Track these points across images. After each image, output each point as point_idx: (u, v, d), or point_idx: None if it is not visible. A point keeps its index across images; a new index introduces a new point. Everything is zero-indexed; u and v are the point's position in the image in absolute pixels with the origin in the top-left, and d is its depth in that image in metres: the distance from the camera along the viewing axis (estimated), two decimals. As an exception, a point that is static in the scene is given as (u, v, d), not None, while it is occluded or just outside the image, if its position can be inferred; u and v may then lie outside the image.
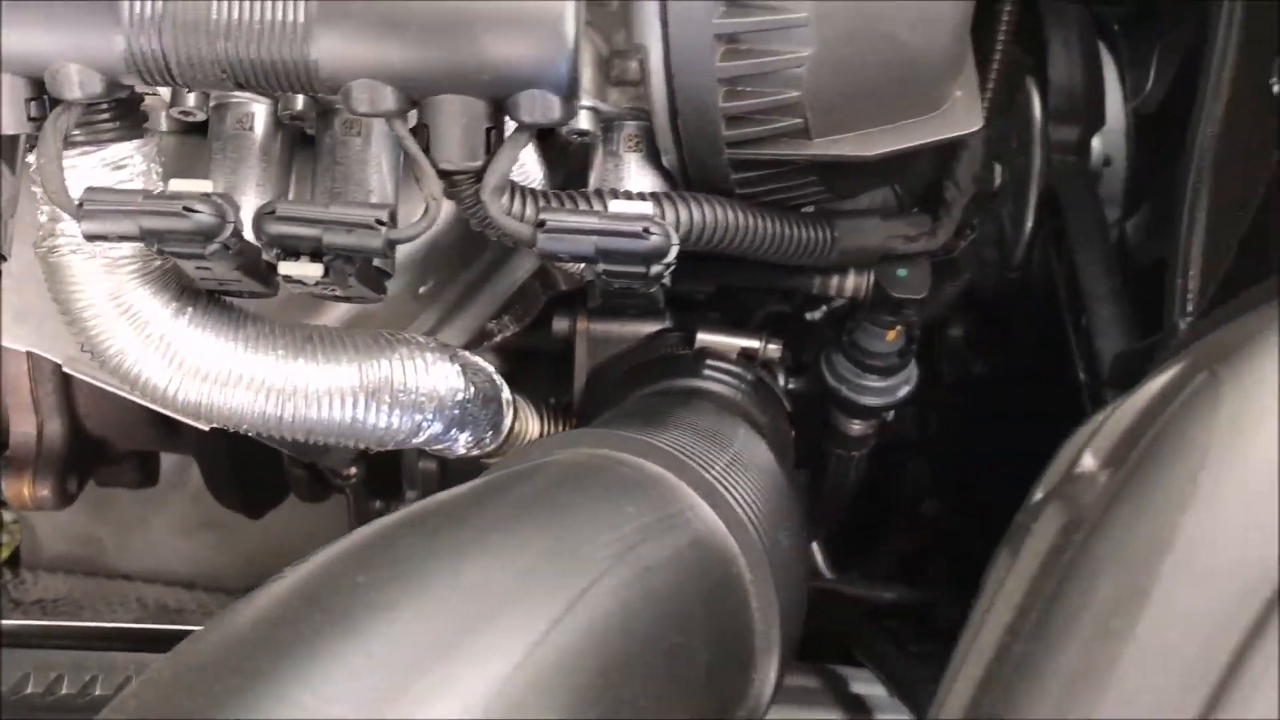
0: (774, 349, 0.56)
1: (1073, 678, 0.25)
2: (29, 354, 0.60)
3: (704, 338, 0.57)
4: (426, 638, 0.28)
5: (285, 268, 0.38)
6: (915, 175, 0.51)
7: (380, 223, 0.37)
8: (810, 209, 0.49)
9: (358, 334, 0.46)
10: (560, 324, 0.59)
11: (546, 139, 0.46)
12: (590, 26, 0.42)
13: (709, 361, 0.56)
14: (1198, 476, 0.25)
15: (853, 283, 0.52)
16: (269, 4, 0.35)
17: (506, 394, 0.52)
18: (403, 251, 0.48)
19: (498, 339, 0.63)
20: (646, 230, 0.37)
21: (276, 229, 0.37)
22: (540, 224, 0.37)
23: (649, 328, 0.58)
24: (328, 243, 0.37)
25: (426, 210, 0.38)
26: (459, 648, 0.28)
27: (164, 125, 0.47)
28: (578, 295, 0.60)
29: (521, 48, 0.36)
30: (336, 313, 0.50)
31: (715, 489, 0.39)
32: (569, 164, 0.49)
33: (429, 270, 0.52)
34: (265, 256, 0.39)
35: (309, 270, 0.38)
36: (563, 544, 0.32)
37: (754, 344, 0.56)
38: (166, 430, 0.68)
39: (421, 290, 0.53)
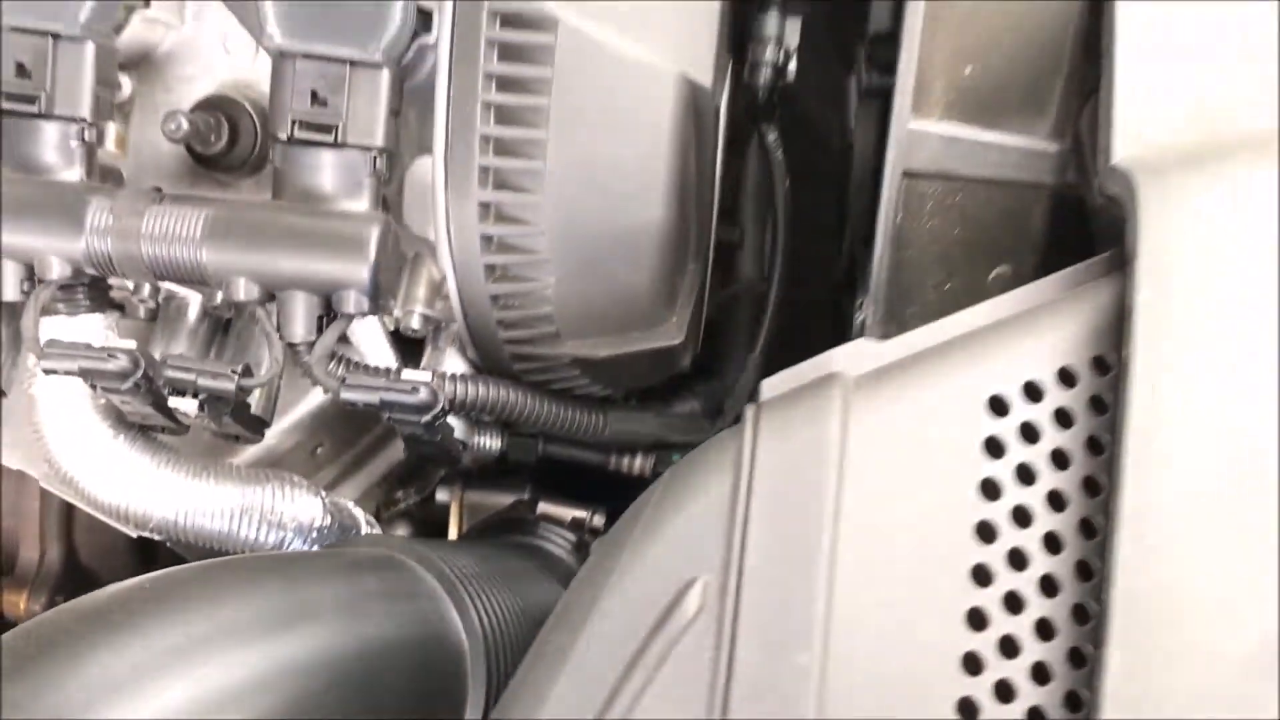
0: (599, 519, 0.71)
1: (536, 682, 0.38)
2: (41, 489, 0.78)
3: (545, 507, 0.71)
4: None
5: (172, 401, 0.54)
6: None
7: (234, 373, 0.53)
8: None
9: (246, 469, 0.62)
10: (442, 493, 0.74)
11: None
12: (427, 255, 0.59)
13: (543, 524, 0.70)
14: (631, 535, 0.39)
15: (639, 463, 0.67)
16: (175, 221, 0.53)
17: (367, 528, 0.67)
18: (295, 415, 0.65)
19: (402, 506, 0.79)
20: (415, 389, 0.53)
21: (166, 373, 0.54)
22: (342, 380, 0.53)
23: (511, 497, 0.73)
24: (199, 385, 0.53)
25: (267, 368, 0.55)
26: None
27: (141, 313, 0.66)
28: (465, 471, 0.75)
29: (341, 261, 0.53)
30: (246, 456, 0.66)
31: (460, 593, 0.52)
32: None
33: (320, 435, 0.68)
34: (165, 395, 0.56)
35: (187, 405, 0.54)
36: (300, 588, 0.46)
37: (583, 514, 0.71)
38: (145, 563, 0.84)
39: (318, 451, 0.69)
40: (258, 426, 0.60)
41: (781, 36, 0.62)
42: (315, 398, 0.66)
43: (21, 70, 0.54)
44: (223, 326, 0.63)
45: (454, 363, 0.60)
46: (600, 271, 0.55)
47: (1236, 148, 0.43)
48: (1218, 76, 0.45)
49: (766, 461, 0.38)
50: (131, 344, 0.55)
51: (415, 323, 0.58)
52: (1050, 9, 0.54)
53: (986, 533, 0.39)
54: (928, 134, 0.54)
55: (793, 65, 0.62)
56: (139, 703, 0.40)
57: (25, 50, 0.54)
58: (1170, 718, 0.35)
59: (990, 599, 0.38)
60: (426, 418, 0.54)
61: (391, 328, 0.61)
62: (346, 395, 0.53)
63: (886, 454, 0.39)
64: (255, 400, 0.59)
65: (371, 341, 0.60)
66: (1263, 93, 0.45)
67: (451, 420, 0.60)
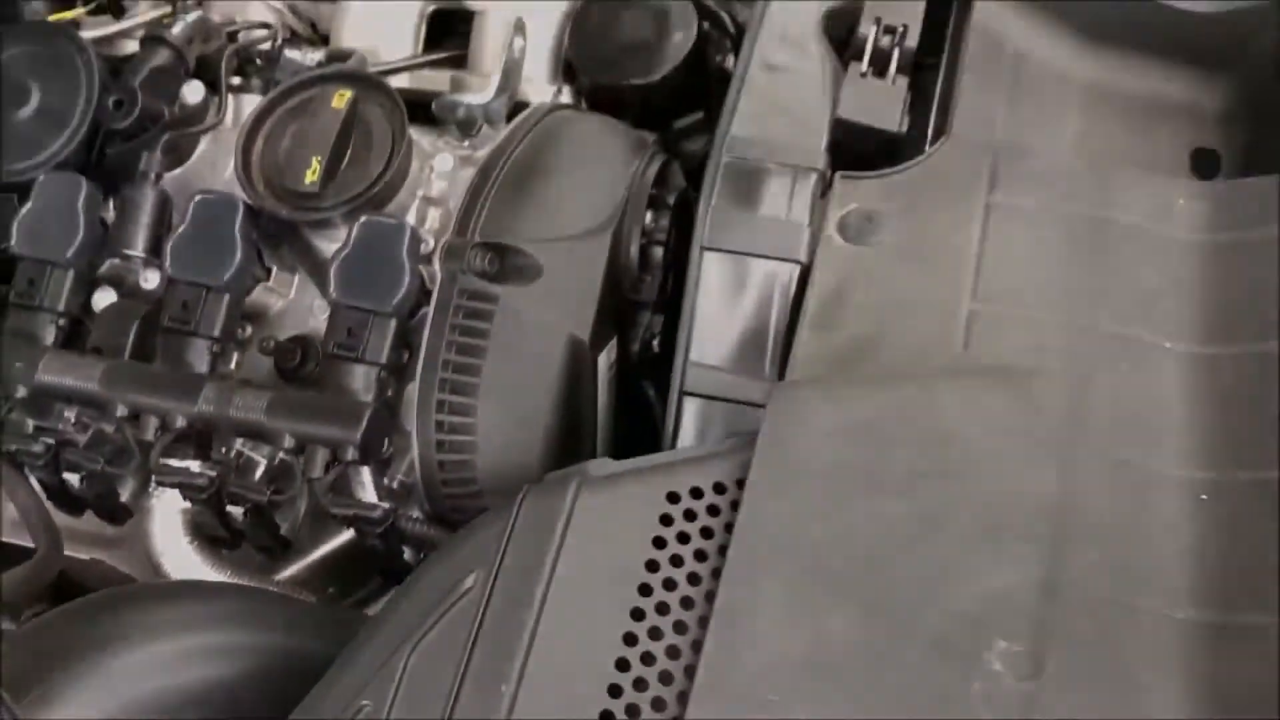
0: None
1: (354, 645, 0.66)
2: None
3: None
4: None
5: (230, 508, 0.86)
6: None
7: (269, 489, 0.84)
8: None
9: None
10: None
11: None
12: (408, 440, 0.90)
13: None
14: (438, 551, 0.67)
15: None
16: (251, 400, 0.85)
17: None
18: (315, 555, 0.95)
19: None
20: (375, 509, 0.83)
21: (230, 489, 0.85)
22: (332, 499, 0.84)
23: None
24: (248, 496, 0.85)
25: (293, 493, 0.86)
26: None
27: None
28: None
29: (345, 430, 0.84)
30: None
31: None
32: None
33: (332, 578, 0.97)
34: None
35: (236, 511, 0.85)
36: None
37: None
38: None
39: (329, 591, 0.98)
40: (284, 545, 0.90)
41: (650, 327, 0.94)
42: (332, 544, 0.96)
43: (185, 307, 0.90)
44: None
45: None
46: (510, 460, 0.85)
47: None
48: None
49: (523, 520, 0.67)
50: (213, 472, 0.87)
51: (395, 485, 0.89)
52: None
53: (645, 590, 0.64)
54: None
55: (656, 342, 0.94)
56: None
57: (188, 294, 0.90)
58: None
59: (633, 654, 0.61)
60: (379, 530, 0.83)
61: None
62: (333, 509, 0.84)
63: (593, 528, 0.66)
64: (285, 523, 0.89)
65: (364, 480, 0.90)
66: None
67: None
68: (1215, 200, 0.79)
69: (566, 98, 1.06)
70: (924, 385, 0.72)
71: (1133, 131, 0.90)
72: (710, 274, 0.80)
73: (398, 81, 1.06)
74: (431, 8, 1.11)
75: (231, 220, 0.90)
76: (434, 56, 1.07)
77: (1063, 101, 0.90)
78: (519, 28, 1.00)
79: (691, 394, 0.79)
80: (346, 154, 0.92)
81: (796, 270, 0.79)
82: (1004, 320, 0.75)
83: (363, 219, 0.88)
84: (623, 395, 0.94)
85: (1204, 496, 0.68)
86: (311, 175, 0.89)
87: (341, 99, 0.92)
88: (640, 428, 0.96)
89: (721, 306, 0.80)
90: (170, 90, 0.98)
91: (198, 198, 0.91)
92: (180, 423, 0.87)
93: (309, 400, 0.86)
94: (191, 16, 1.01)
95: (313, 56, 1.05)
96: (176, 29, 0.99)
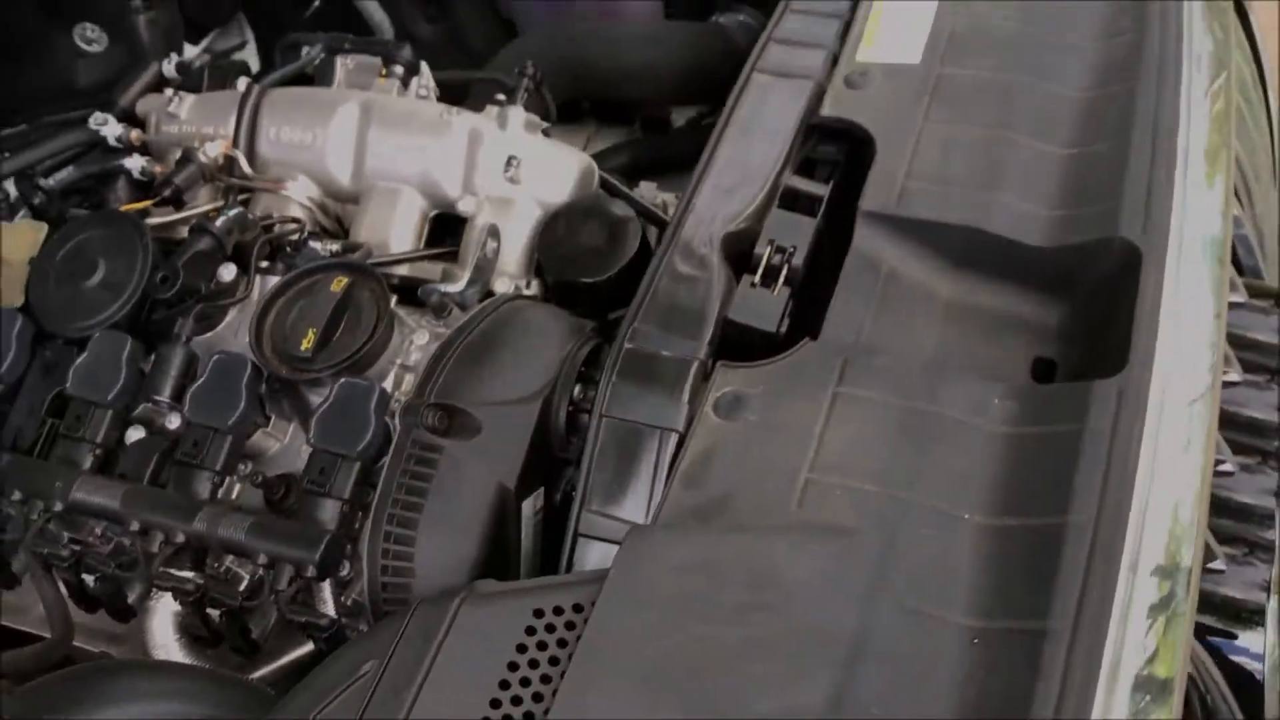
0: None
1: None
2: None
3: None
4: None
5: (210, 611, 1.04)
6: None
7: (241, 594, 1.02)
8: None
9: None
10: None
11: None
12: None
13: None
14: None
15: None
16: (236, 524, 1.05)
17: None
18: (282, 661, 1.12)
19: None
20: (323, 617, 1.00)
21: (212, 593, 1.03)
22: (291, 608, 1.01)
23: None
24: (225, 600, 1.03)
25: (260, 600, 1.04)
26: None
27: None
28: None
29: (306, 551, 1.02)
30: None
31: None
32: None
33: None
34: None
35: (214, 613, 1.03)
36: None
37: None
38: None
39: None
40: (254, 647, 1.07)
41: (572, 481, 1.12)
42: (297, 653, 1.13)
43: (195, 445, 1.11)
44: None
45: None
46: (442, 586, 1.02)
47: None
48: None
49: (414, 623, 0.84)
50: (200, 580, 1.05)
51: (350, 603, 1.06)
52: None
53: (503, 685, 0.81)
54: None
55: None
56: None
57: (199, 434, 1.11)
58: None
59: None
60: (325, 636, 1.01)
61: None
62: (290, 616, 1.01)
63: (467, 633, 0.83)
64: (257, 628, 1.07)
65: (327, 596, 1.08)
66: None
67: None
68: (1025, 400, 0.96)
69: (535, 288, 1.28)
70: (759, 535, 0.89)
71: (984, 341, 1.07)
72: (606, 437, 0.98)
73: (399, 270, 1.29)
74: (434, 212, 1.34)
75: (240, 377, 1.11)
76: (430, 252, 1.30)
77: (926, 313, 1.08)
78: (493, 233, 1.22)
79: (584, 535, 0.96)
80: (340, 328, 1.13)
81: (675, 438, 0.97)
82: (833, 488, 0.91)
83: (342, 380, 1.08)
84: (549, 537, 1.11)
85: (975, 640, 0.82)
86: (306, 343, 1.11)
87: (339, 284, 1.14)
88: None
89: (614, 463, 0.98)
90: (209, 270, 1.21)
91: (215, 357, 1.12)
92: (180, 538, 1.06)
93: (281, 525, 1.05)
94: (233, 212, 1.24)
95: (331, 247, 1.28)
96: (219, 221, 1.22)
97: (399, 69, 1.41)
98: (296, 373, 1.11)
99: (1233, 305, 1.12)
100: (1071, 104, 1.18)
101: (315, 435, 1.07)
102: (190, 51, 1.85)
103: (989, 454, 0.93)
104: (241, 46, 1.94)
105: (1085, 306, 1.06)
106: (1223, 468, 1.00)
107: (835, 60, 1.26)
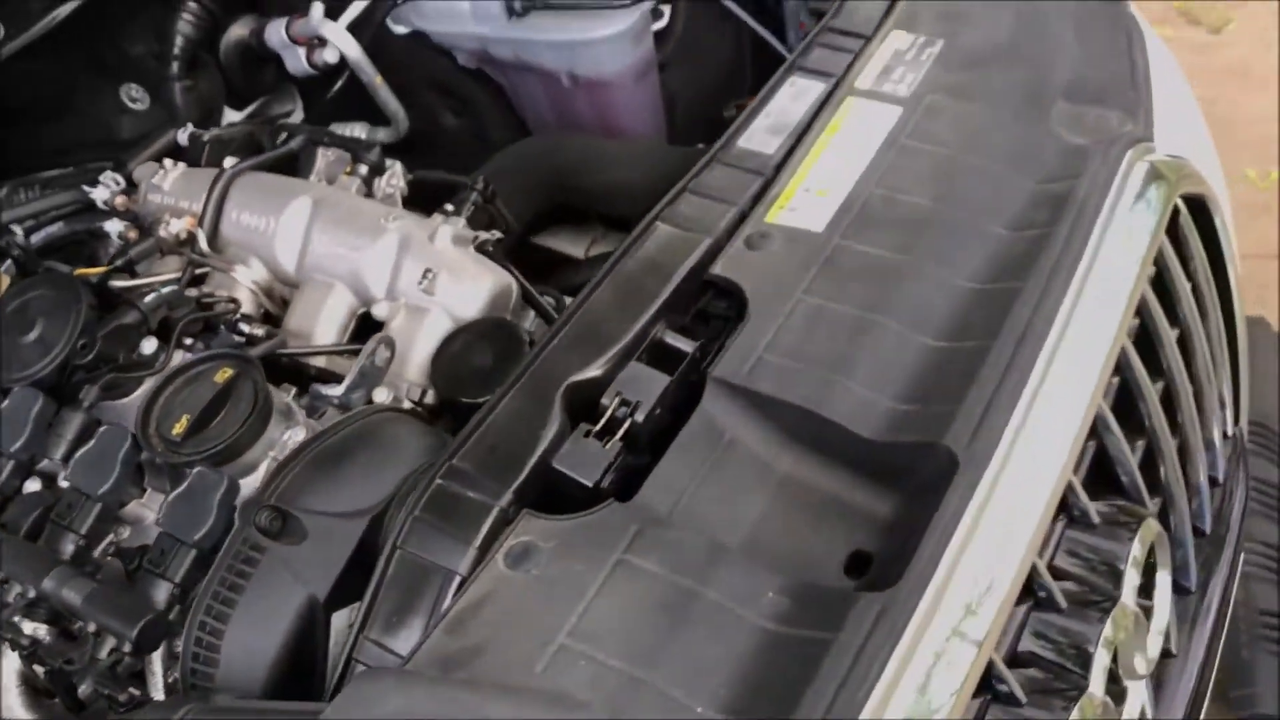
0: None
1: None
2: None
3: None
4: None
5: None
6: None
7: (67, 662, 1.09)
8: None
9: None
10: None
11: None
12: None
13: None
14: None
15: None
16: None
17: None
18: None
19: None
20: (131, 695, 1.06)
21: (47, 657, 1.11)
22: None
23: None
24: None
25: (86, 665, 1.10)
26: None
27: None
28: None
29: (127, 623, 1.09)
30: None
31: None
32: None
33: None
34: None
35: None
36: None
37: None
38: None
39: None
40: (79, 705, 1.14)
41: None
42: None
43: (69, 507, 1.19)
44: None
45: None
46: (241, 681, 1.07)
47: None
48: (458, 647, 0.94)
49: (144, 723, 0.89)
50: (37, 635, 1.13)
51: (172, 680, 1.12)
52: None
53: None
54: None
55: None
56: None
57: (73, 498, 1.19)
58: None
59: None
60: (124, 709, 1.07)
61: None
62: (97, 684, 1.08)
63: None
64: (81, 687, 1.14)
65: (156, 670, 1.13)
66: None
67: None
68: (798, 597, 0.95)
69: (433, 399, 1.33)
70: (489, 695, 0.91)
71: (808, 525, 1.07)
72: (397, 569, 1.02)
73: (318, 361, 1.36)
74: (361, 309, 1.41)
75: (118, 449, 1.19)
76: (340, 347, 1.36)
77: (758, 487, 1.08)
78: (386, 342, 1.28)
79: (357, 660, 1.00)
80: (219, 416, 1.20)
81: (457, 580, 1.00)
82: (580, 657, 0.93)
83: (197, 469, 1.15)
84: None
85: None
86: (178, 428, 1.18)
87: (223, 375, 1.21)
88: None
89: (398, 595, 1.01)
90: (132, 341, 1.30)
91: (103, 428, 1.21)
92: (31, 593, 1.14)
93: (116, 597, 1.12)
94: (166, 290, 1.33)
95: (257, 331, 1.36)
96: (149, 297, 1.31)
97: (363, 169, 1.49)
98: (168, 454, 1.18)
99: (1077, 524, 1.09)
100: (957, 295, 1.16)
101: (162, 518, 1.14)
102: (233, 116, 1.99)
103: (741, 647, 0.93)
104: (289, 114, 2.06)
105: (907, 507, 1.05)
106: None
107: (744, 217, 1.28)
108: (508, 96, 1.89)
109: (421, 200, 1.59)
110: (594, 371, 1.14)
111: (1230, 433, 1.48)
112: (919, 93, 1.39)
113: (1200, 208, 1.38)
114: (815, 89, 1.41)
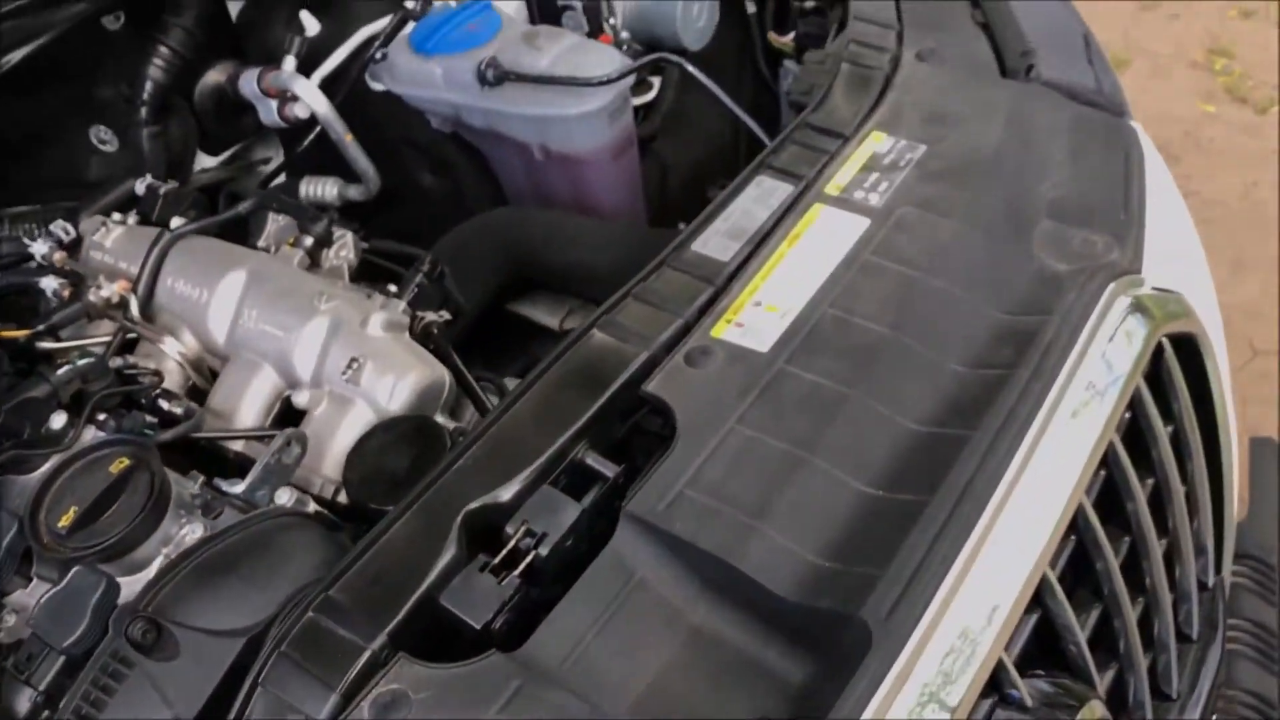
0: None
1: None
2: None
3: None
4: None
5: None
6: None
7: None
8: None
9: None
10: None
11: None
12: None
13: None
14: None
15: None
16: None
17: None
18: None
19: None
20: None
21: None
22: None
23: None
24: None
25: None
26: None
27: None
28: None
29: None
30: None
31: None
32: None
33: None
34: None
35: None
36: None
37: None
38: None
39: None
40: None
41: None
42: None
43: None
44: None
45: None
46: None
47: None
48: None
49: None
50: None
51: None
52: None
53: None
54: None
55: None
56: None
57: None
58: None
59: None
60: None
61: None
62: None
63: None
64: None
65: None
66: None
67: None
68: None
69: (344, 497, 1.25)
70: None
71: (715, 684, 0.98)
72: (255, 706, 0.94)
73: (236, 445, 1.28)
74: (288, 392, 1.33)
75: (4, 536, 1.12)
76: (259, 432, 1.29)
77: (666, 637, 1.00)
78: (298, 438, 1.20)
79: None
80: (111, 508, 1.12)
81: (321, 724, 0.92)
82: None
83: (77, 568, 1.08)
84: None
85: None
86: (65, 520, 1.11)
87: (119, 465, 1.14)
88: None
89: (257, 743, 0.93)
90: (41, 415, 1.23)
91: (-10, 511, 1.14)
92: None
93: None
94: (83, 361, 1.27)
95: (176, 409, 1.29)
96: (61, 370, 1.25)
97: (307, 240, 1.42)
98: (53, 548, 1.11)
99: (1008, 705, 0.99)
100: (900, 437, 1.07)
101: (34, 618, 1.07)
102: (207, 161, 1.93)
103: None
104: (266, 162, 2.00)
105: (819, 678, 0.96)
106: None
107: (688, 329, 1.19)
108: (485, 160, 1.82)
109: (378, 270, 1.53)
110: (502, 495, 1.06)
111: (1210, 583, 1.37)
112: (891, 203, 1.30)
113: (1189, 347, 1.28)
114: (782, 191, 1.33)
